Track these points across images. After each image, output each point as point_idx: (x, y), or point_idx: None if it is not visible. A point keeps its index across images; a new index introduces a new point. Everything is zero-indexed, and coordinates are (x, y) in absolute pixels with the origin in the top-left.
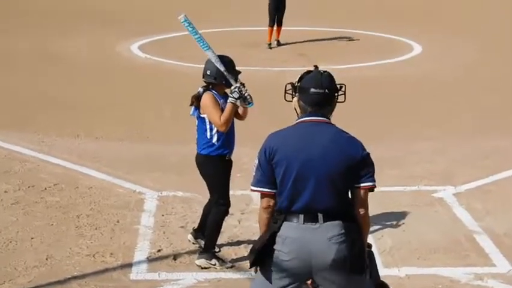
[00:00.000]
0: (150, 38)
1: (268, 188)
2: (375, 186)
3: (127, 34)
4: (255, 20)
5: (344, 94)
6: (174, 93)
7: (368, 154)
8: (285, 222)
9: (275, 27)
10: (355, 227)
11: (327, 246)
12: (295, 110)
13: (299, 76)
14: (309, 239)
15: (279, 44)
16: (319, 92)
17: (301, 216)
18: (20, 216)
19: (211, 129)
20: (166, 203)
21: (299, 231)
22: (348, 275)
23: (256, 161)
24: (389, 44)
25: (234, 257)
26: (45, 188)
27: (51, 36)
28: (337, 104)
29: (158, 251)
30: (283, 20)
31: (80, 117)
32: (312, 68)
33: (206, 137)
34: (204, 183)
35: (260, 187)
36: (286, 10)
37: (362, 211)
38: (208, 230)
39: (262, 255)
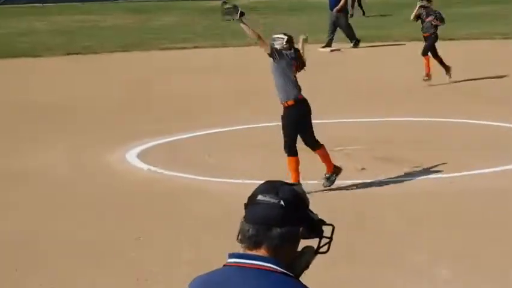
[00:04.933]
0: (149, 143)
1: None
2: None
3: (119, 139)
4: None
5: (329, 243)
6: (193, 221)
7: None
8: None
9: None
10: None
11: None
12: None
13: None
14: None
15: None
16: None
17: None
18: None
19: None
20: None
21: None
22: None
23: None
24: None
25: None
26: None
27: (16, 148)
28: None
29: None
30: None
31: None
32: None
33: None
34: None
35: None
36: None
37: None
38: None
39: None
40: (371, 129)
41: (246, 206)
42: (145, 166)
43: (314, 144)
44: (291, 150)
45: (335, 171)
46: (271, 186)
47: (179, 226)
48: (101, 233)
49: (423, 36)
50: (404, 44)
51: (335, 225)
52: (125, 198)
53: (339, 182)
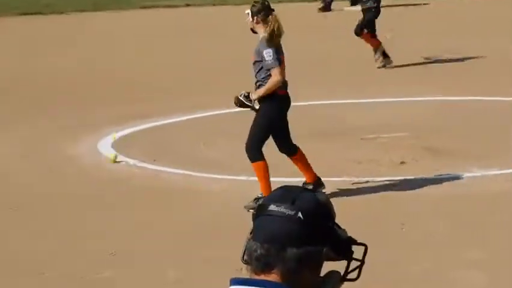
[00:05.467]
0: (126, 130)
1: None
2: None
3: (89, 125)
4: None
5: (360, 268)
6: (183, 229)
7: None
8: None
9: None
10: None
11: None
12: None
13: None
14: None
15: None
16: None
17: None
18: None
19: None
20: None
21: None
22: None
23: None
24: None
25: None
26: None
27: None
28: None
29: None
30: None
31: None
32: None
33: None
34: None
35: None
36: None
37: None
38: None
39: None
40: (411, 112)
41: (255, 217)
42: (121, 159)
43: (291, 148)
44: (258, 153)
45: (318, 183)
46: (286, 193)
47: (165, 236)
48: (66, 246)
49: (362, 10)
50: (428, 4)
51: (363, 239)
52: (97, 199)
53: (369, 179)
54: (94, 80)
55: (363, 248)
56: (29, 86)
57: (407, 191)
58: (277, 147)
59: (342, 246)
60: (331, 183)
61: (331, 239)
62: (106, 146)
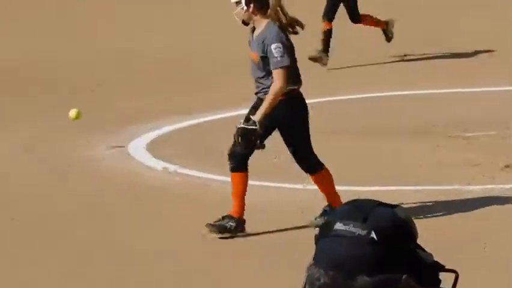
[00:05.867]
0: (163, 129)
1: None
2: None
3: (117, 122)
4: None
5: None
6: (236, 247)
7: None
8: None
9: None
10: None
11: None
12: None
13: None
14: None
15: None
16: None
17: None
18: None
19: None
20: None
21: None
22: None
23: None
24: None
25: None
26: None
27: None
28: None
29: None
30: None
31: None
32: None
33: None
34: None
35: None
36: None
37: None
38: None
39: None
40: (487, 105)
41: (318, 238)
42: (159, 164)
43: (240, 164)
44: (318, 163)
45: (239, 221)
46: (356, 209)
47: (212, 255)
48: (92, 269)
49: None
50: None
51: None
52: (129, 214)
53: (456, 187)
54: (112, 67)
55: (453, 275)
56: (35, 74)
57: (501, 204)
58: (229, 153)
59: (426, 273)
60: (414, 193)
61: (412, 265)
62: (139, 150)
